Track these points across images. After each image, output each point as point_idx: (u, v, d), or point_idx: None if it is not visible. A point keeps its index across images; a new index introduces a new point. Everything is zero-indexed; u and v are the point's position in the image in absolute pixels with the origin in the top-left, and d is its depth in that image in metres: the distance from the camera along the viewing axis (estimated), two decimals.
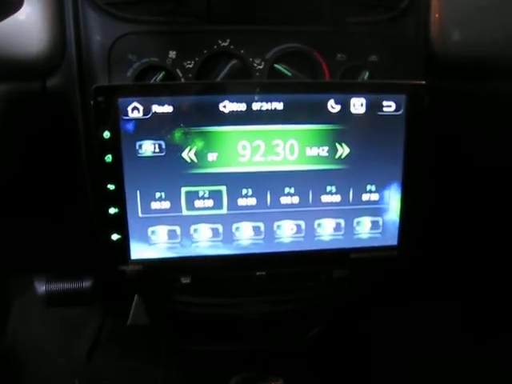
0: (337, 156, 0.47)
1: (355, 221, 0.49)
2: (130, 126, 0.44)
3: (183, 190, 0.46)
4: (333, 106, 0.46)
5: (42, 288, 0.62)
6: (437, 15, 0.53)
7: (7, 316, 0.76)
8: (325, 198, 0.48)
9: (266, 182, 0.47)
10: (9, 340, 0.75)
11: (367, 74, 0.51)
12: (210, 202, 0.47)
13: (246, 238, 0.48)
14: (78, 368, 0.78)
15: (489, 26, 0.53)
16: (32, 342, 0.78)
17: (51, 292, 0.62)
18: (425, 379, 0.77)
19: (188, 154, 0.45)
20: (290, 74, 0.49)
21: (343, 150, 0.47)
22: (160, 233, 0.47)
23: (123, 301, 0.61)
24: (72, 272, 0.63)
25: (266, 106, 0.44)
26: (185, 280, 0.52)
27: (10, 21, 0.39)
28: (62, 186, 0.52)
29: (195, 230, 0.48)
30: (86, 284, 0.62)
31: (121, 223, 0.46)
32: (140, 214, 0.46)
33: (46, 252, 0.60)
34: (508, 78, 0.55)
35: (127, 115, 0.43)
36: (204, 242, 0.48)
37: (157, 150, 0.45)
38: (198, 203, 0.47)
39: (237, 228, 0.48)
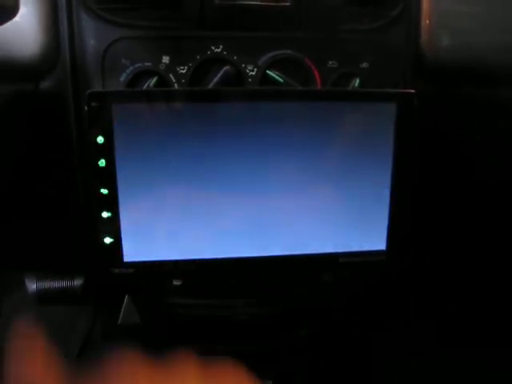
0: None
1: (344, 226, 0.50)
2: (123, 132, 0.44)
3: None
4: (323, 114, 0.46)
5: (32, 286, 0.63)
6: (427, 21, 0.54)
7: None
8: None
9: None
10: None
11: (358, 80, 0.51)
12: None
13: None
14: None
15: (479, 32, 0.54)
16: None
17: (42, 290, 0.62)
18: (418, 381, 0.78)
19: None
20: (281, 80, 0.50)
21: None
22: (153, 236, 0.48)
23: (114, 300, 0.61)
24: (63, 271, 0.63)
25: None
26: (176, 282, 0.52)
27: None
28: (55, 187, 0.53)
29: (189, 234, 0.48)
30: (77, 283, 0.63)
31: (114, 227, 0.46)
32: (133, 218, 0.47)
33: (37, 251, 0.60)
34: (499, 84, 0.56)
35: (121, 121, 0.43)
36: (197, 245, 0.48)
37: None
38: None
39: None
